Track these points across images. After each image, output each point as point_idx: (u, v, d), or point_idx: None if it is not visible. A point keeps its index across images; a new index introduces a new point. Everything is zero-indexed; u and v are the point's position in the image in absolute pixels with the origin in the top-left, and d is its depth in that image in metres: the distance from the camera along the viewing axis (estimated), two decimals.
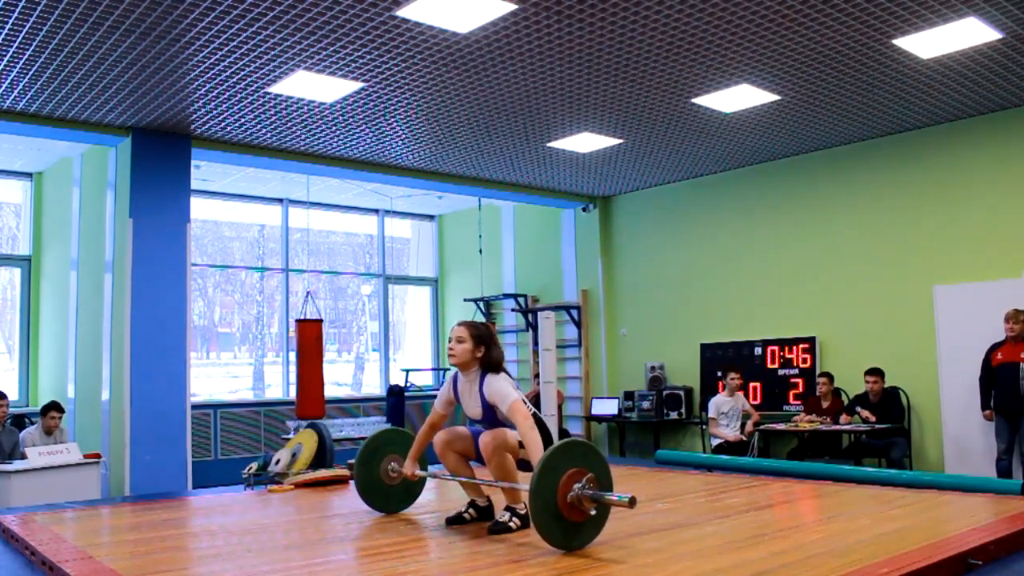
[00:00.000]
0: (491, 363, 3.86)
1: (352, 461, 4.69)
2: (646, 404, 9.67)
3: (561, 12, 5.12)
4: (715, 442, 8.10)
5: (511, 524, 3.76)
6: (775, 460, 7.41)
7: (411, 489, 4.51)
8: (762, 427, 8.03)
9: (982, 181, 7.49)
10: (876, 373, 7.54)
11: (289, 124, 7.25)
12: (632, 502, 3.33)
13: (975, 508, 4.27)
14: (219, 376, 10.66)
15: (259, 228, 10.92)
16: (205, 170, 8.69)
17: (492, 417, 3.86)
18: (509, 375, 3.94)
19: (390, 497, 4.44)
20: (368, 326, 11.90)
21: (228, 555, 3.56)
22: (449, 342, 3.93)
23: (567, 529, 3.39)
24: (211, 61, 5.80)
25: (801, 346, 8.62)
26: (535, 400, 9.34)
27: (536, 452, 3.53)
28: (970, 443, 7.25)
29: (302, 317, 8.40)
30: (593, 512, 3.40)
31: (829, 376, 7.94)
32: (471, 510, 4.04)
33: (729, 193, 9.35)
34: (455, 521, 4.00)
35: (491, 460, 3.75)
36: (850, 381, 7.94)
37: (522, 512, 3.79)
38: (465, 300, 11.41)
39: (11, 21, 5.08)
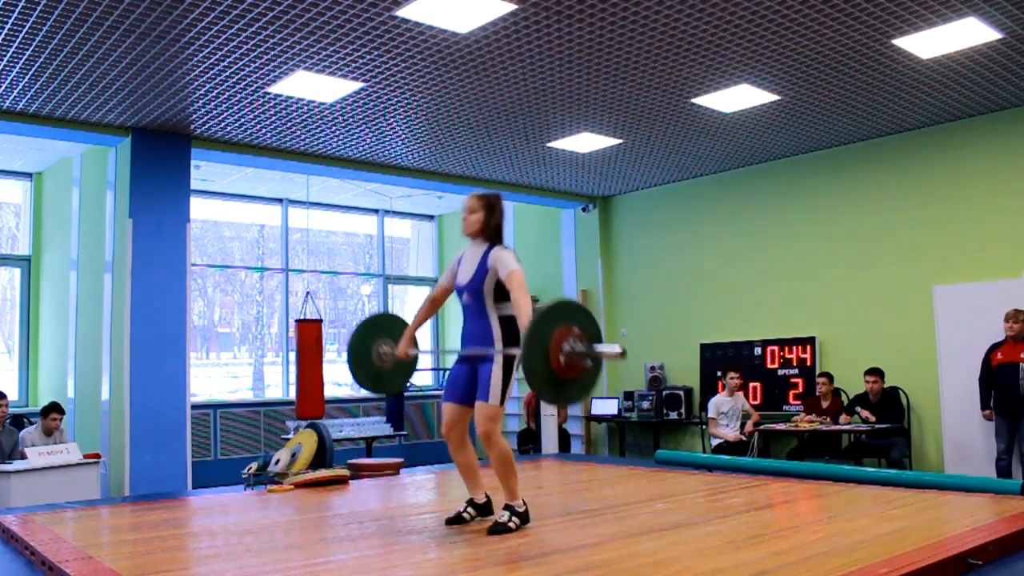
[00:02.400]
0: (499, 229, 3.95)
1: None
2: (646, 404, 9.67)
3: (561, 12, 5.12)
4: (715, 442, 8.10)
5: (511, 524, 3.76)
6: (775, 460, 7.40)
7: (404, 369, 4.53)
8: (762, 427, 8.03)
9: (982, 181, 7.49)
10: (876, 373, 7.54)
11: (289, 124, 7.25)
12: (623, 353, 3.42)
13: (975, 508, 4.27)
14: (219, 376, 10.66)
15: (259, 228, 10.91)
16: (205, 170, 8.69)
17: (478, 284, 3.85)
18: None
19: (380, 378, 4.48)
20: None
21: (228, 555, 3.56)
22: (463, 212, 3.98)
23: (562, 385, 3.49)
24: (211, 61, 5.80)
25: (801, 346, 8.62)
26: (535, 400, 9.35)
27: (526, 317, 3.59)
28: (970, 443, 7.25)
29: (302, 317, 8.40)
30: (588, 365, 3.50)
31: (829, 376, 7.94)
32: (470, 509, 4.05)
33: (729, 193, 9.35)
34: (455, 521, 4.01)
35: (492, 447, 3.76)
36: (850, 381, 7.94)
37: (521, 510, 3.80)
38: None
39: (11, 21, 5.08)
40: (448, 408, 4.01)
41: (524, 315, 3.61)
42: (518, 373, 3.77)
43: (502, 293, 3.84)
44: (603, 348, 3.45)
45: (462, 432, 4.02)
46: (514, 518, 3.78)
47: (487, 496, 4.09)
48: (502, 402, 3.80)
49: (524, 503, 3.84)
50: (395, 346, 4.37)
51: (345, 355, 4.52)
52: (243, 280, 10.98)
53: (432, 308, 4.26)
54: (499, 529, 3.74)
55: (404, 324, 4.47)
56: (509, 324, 3.83)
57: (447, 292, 4.18)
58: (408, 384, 4.65)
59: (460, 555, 3.43)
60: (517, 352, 3.74)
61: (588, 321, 3.60)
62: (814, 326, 8.59)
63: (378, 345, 4.43)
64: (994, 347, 6.90)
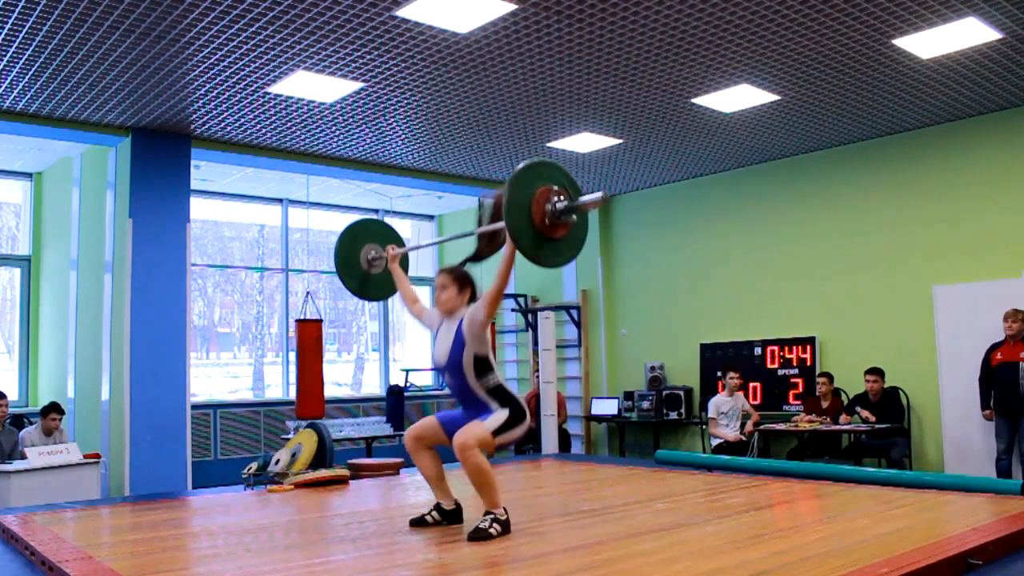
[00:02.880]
0: (474, 297, 3.90)
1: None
2: (646, 404, 9.67)
3: (561, 12, 5.12)
4: (715, 442, 8.10)
5: (492, 531, 3.62)
6: (775, 460, 7.40)
7: (388, 282, 4.57)
8: (762, 427, 8.03)
9: (982, 181, 7.49)
10: (876, 373, 7.54)
11: (289, 124, 7.25)
12: (604, 198, 3.46)
13: (975, 508, 4.27)
14: (219, 376, 10.65)
15: (259, 228, 10.91)
16: (205, 170, 8.69)
17: (457, 359, 3.73)
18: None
19: (367, 282, 4.58)
20: (368, 326, 11.90)
21: (228, 555, 3.56)
22: (435, 291, 3.94)
23: (553, 244, 3.54)
24: (211, 61, 5.80)
25: (801, 346, 8.62)
26: (535, 400, 9.34)
27: (504, 263, 3.64)
28: (970, 443, 7.25)
29: (302, 317, 8.40)
30: (573, 219, 3.54)
31: (829, 376, 7.94)
32: (435, 513, 3.95)
33: (729, 193, 9.35)
34: (418, 523, 3.93)
35: (467, 460, 3.59)
36: (850, 381, 7.94)
37: (503, 518, 3.67)
38: None
39: (11, 21, 5.08)
40: (430, 421, 3.92)
41: (499, 271, 3.66)
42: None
43: (482, 366, 3.73)
44: (585, 199, 3.46)
45: (427, 447, 3.93)
46: (495, 524, 3.64)
47: (456, 503, 3.99)
48: (496, 435, 3.65)
49: (505, 511, 3.71)
50: (383, 251, 4.42)
51: (333, 259, 4.59)
52: (243, 280, 10.98)
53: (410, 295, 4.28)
54: (479, 536, 3.60)
55: (390, 229, 4.57)
56: (501, 392, 3.74)
57: (417, 305, 4.22)
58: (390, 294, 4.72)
59: (460, 555, 3.43)
60: (526, 418, 3.71)
61: (563, 176, 3.59)
62: (814, 326, 8.59)
63: (367, 250, 4.48)
64: (994, 347, 6.90)
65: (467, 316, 3.77)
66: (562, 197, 3.49)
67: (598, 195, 3.46)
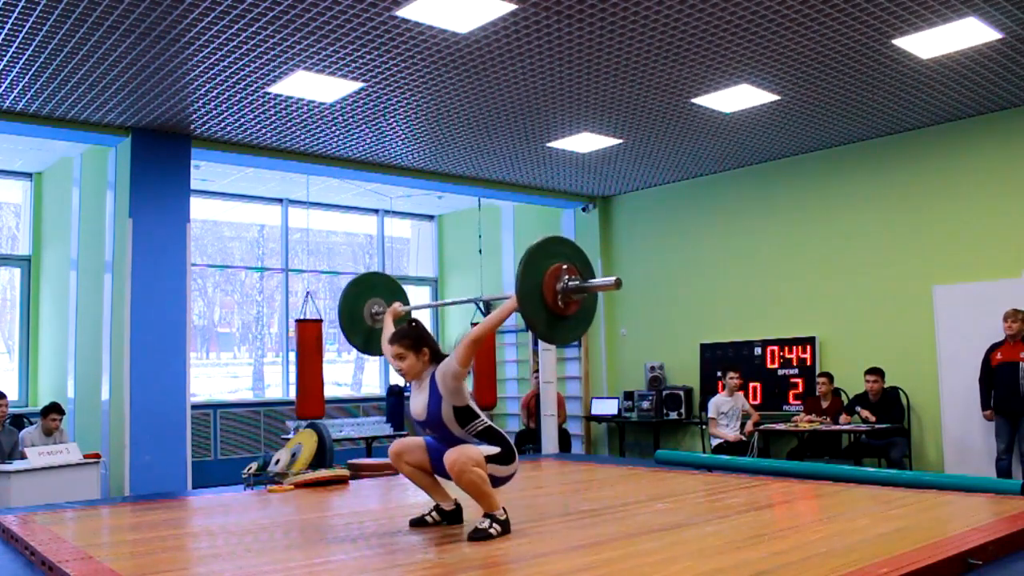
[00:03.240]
0: (436, 353, 3.74)
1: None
2: (646, 404, 9.67)
3: (561, 12, 5.12)
4: (715, 442, 8.10)
5: (491, 531, 3.60)
6: (775, 460, 7.40)
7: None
8: (762, 427, 8.03)
9: (982, 181, 7.49)
10: (876, 373, 7.54)
11: (289, 124, 7.25)
12: (617, 283, 3.41)
13: (975, 508, 4.27)
14: (219, 376, 10.66)
15: (259, 228, 10.91)
16: (205, 170, 8.69)
17: (437, 416, 3.62)
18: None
19: (370, 338, 4.51)
20: None
21: (228, 555, 3.56)
22: (393, 361, 3.75)
23: (561, 323, 3.50)
24: (211, 61, 5.80)
25: (801, 346, 8.62)
26: (535, 400, 9.34)
27: (499, 314, 3.55)
28: (970, 443, 7.25)
29: (302, 317, 8.39)
30: (582, 298, 3.53)
31: (828, 376, 7.94)
32: (434, 513, 3.93)
33: (729, 193, 9.35)
34: (418, 523, 3.91)
35: (461, 478, 3.52)
36: (850, 381, 7.94)
37: (502, 518, 3.65)
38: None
39: (11, 21, 5.08)
40: (417, 443, 3.79)
41: (498, 314, 3.57)
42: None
43: (464, 415, 3.64)
44: (596, 282, 3.44)
45: (408, 462, 3.83)
46: (495, 525, 3.62)
47: (456, 503, 3.95)
48: (489, 461, 3.56)
49: (504, 511, 3.68)
50: (386, 305, 4.34)
51: (337, 315, 4.55)
52: (243, 280, 10.98)
53: None
54: (480, 536, 3.59)
55: (393, 282, 4.48)
56: (491, 433, 3.67)
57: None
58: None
59: (460, 555, 3.43)
60: (516, 459, 3.67)
61: (577, 255, 3.56)
62: (814, 326, 8.59)
63: (369, 305, 4.43)
64: (994, 347, 6.90)
65: (439, 372, 3.64)
66: (573, 275, 3.45)
67: (611, 280, 3.42)
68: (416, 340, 3.72)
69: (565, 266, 3.49)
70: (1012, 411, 6.74)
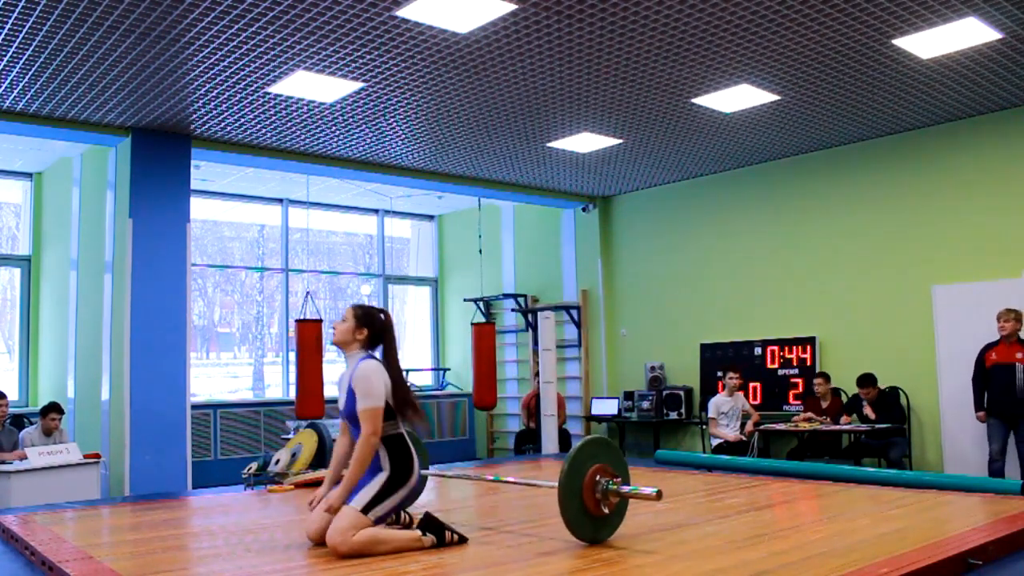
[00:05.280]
0: (376, 346, 3.69)
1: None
2: (646, 404, 9.67)
3: (561, 12, 5.12)
4: (715, 442, 8.10)
5: (455, 540, 3.61)
6: (775, 460, 7.40)
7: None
8: (762, 427, 8.03)
9: (982, 181, 7.48)
10: (868, 384, 7.41)
11: (289, 124, 7.25)
12: (659, 495, 3.45)
13: (975, 508, 4.27)
14: (219, 376, 10.66)
15: (259, 228, 10.91)
16: (205, 170, 8.69)
17: (352, 410, 3.57)
18: (396, 367, 3.66)
19: None
20: None
21: (228, 555, 3.56)
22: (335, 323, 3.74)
23: (595, 523, 3.51)
24: (211, 61, 5.80)
25: (801, 346, 8.62)
26: (535, 400, 9.35)
27: (350, 478, 3.42)
28: (969, 443, 7.25)
29: (302, 317, 8.40)
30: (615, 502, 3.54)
31: (825, 376, 7.93)
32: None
33: (729, 193, 9.35)
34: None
35: (347, 553, 3.36)
36: (850, 381, 7.93)
37: (436, 541, 3.58)
38: (465, 300, 11.41)
39: (11, 21, 5.08)
40: (316, 521, 3.60)
41: (350, 480, 3.44)
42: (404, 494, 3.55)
43: (385, 413, 3.55)
44: (642, 491, 3.49)
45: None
46: (444, 543, 3.58)
47: (409, 518, 3.94)
48: (369, 510, 3.45)
49: (425, 534, 3.57)
50: None
51: None
52: (243, 280, 10.98)
53: (344, 443, 3.76)
54: (439, 537, 3.58)
55: (413, 437, 4.16)
56: (396, 444, 3.57)
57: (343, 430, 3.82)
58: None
59: (460, 555, 3.43)
60: (410, 479, 3.57)
61: (616, 458, 3.60)
62: (814, 326, 8.59)
63: None
64: (988, 347, 6.78)
65: (356, 375, 3.57)
66: (613, 479, 3.52)
67: (652, 491, 3.46)
68: (365, 317, 3.70)
69: (610, 470, 3.55)
70: (1008, 413, 6.59)
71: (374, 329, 3.70)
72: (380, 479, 3.53)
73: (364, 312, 3.73)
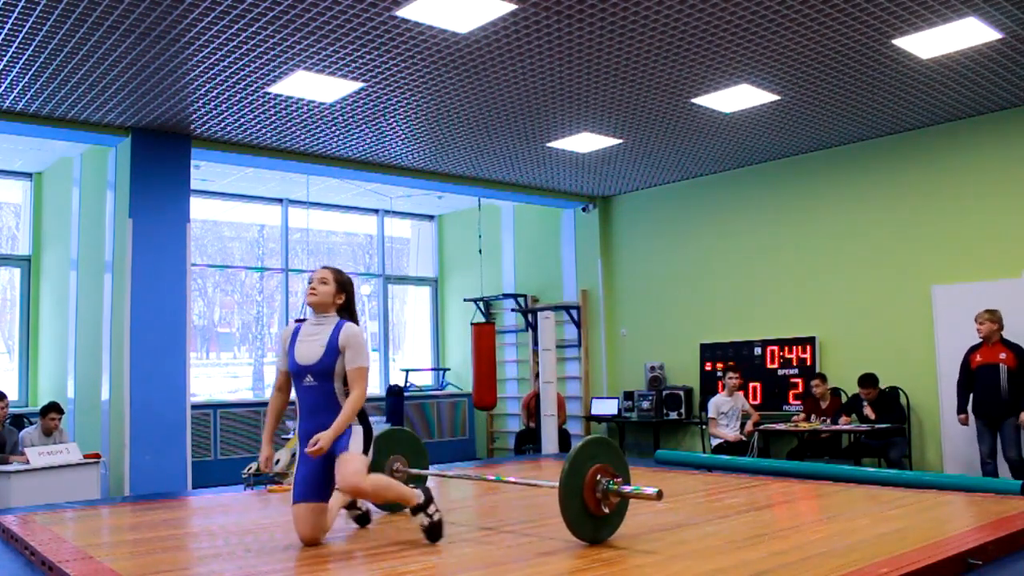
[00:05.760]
0: (352, 314, 3.81)
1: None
2: (646, 404, 9.67)
3: (561, 12, 5.12)
4: (715, 442, 8.10)
5: (433, 517, 3.69)
6: (775, 460, 7.41)
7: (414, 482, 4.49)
8: (762, 427, 8.03)
9: (981, 181, 7.49)
10: (869, 384, 7.41)
11: (289, 124, 7.25)
12: (659, 495, 3.45)
13: (975, 508, 4.27)
14: (219, 376, 10.66)
15: (259, 228, 10.92)
16: (205, 170, 8.69)
17: (328, 366, 3.63)
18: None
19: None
20: (368, 326, 11.89)
21: (228, 555, 3.56)
22: (311, 283, 3.77)
23: (595, 523, 3.52)
24: (211, 61, 5.80)
25: (801, 346, 8.62)
26: (535, 400, 9.35)
27: (343, 422, 3.57)
28: (969, 443, 7.24)
29: (302, 317, 8.40)
30: (616, 502, 3.55)
31: (822, 377, 7.93)
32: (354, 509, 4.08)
33: (729, 193, 9.35)
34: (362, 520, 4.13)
35: (364, 494, 3.67)
36: (850, 381, 7.93)
37: (422, 500, 3.70)
38: (465, 300, 11.41)
39: (11, 21, 5.08)
40: (302, 510, 3.64)
41: (350, 409, 3.59)
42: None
43: (347, 378, 3.67)
44: (644, 491, 3.51)
45: (329, 523, 3.75)
46: (429, 513, 3.68)
47: (367, 511, 4.12)
48: (366, 451, 3.65)
49: (422, 492, 3.73)
50: (407, 463, 4.49)
51: None
52: (243, 280, 10.98)
53: (281, 398, 3.87)
54: (432, 532, 3.66)
55: (414, 438, 4.63)
56: (361, 413, 3.70)
57: (288, 377, 3.81)
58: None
59: (460, 555, 3.44)
60: (374, 432, 3.75)
61: (616, 458, 3.63)
62: (814, 326, 8.59)
63: (391, 462, 4.50)
64: (972, 349, 6.77)
65: (346, 333, 3.66)
66: (614, 478, 3.53)
67: (653, 491, 3.48)
68: (344, 282, 3.82)
69: (611, 470, 3.58)
70: (993, 415, 6.56)
71: (349, 296, 3.84)
72: (359, 432, 3.68)
73: (343, 279, 3.85)
